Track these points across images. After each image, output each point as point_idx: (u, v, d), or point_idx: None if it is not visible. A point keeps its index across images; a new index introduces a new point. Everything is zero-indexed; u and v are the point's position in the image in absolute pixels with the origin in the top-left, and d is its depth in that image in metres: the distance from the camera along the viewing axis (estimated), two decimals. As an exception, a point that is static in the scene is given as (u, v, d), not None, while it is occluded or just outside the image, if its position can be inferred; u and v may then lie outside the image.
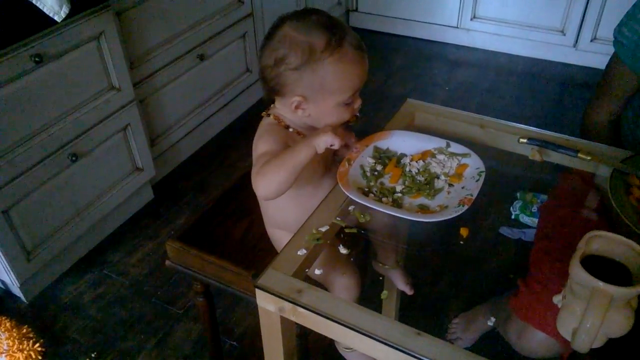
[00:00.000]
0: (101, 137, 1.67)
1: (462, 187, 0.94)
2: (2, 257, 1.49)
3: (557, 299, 0.77)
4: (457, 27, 2.99)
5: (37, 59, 1.40)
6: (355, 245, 1.02)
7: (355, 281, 1.07)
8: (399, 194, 0.94)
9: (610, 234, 0.72)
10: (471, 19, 2.92)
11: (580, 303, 0.69)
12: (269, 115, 1.03)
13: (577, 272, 0.68)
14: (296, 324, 0.82)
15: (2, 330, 1.48)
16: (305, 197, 1.04)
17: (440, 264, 1.68)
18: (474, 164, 0.98)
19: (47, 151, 1.51)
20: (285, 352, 0.88)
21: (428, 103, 1.20)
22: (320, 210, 0.92)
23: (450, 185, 0.95)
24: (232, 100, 2.34)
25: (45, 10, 1.34)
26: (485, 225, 1.19)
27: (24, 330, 1.50)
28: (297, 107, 0.96)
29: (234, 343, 1.53)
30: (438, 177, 0.97)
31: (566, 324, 0.72)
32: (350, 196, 0.90)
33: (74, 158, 1.59)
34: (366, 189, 0.94)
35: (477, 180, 0.93)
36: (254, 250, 1.20)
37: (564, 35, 2.75)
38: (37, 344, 1.47)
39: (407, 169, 0.98)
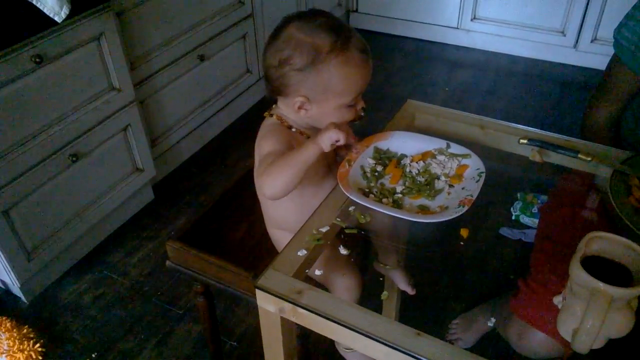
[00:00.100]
0: (101, 138, 1.68)
1: (463, 188, 0.94)
2: (3, 257, 1.49)
3: (557, 300, 0.77)
4: (457, 28, 2.99)
5: (37, 60, 1.40)
6: (356, 246, 1.02)
7: (356, 282, 1.07)
8: (399, 195, 0.94)
9: (610, 235, 0.72)
10: (471, 20, 2.92)
11: (580, 304, 0.69)
12: (271, 115, 1.03)
13: (578, 273, 0.68)
14: (296, 324, 0.82)
15: (3, 330, 1.48)
16: (307, 198, 1.04)
17: (441, 264, 1.67)
18: (474, 165, 0.98)
19: (48, 152, 1.51)
20: (286, 352, 0.88)
21: (428, 104, 1.20)
22: (320, 211, 0.92)
23: (451, 186, 0.95)
24: (232, 101, 2.34)
25: (45, 10, 1.34)
26: (486, 226, 1.19)
27: (25, 331, 1.50)
28: (300, 108, 0.96)
29: (234, 343, 1.53)
30: (438, 178, 0.97)
31: (566, 325, 0.72)
32: (351, 197, 0.90)
33: (74, 159, 1.59)
34: (366, 190, 0.94)
35: (477, 181, 0.93)
36: (254, 251, 1.20)
37: (564, 36, 2.75)
38: (38, 344, 1.48)
39: (408, 170, 0.98)
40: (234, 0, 2.17)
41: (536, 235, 1.20)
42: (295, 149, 0.92)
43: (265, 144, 0.97)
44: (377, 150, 1.02)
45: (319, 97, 0.95)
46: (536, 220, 1.50)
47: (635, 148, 1.17)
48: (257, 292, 0.79)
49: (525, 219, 1.55)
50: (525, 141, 1.04)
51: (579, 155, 1.00)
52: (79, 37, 1.50)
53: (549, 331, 1.01)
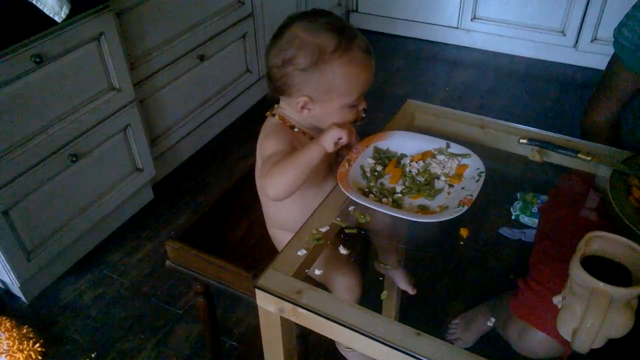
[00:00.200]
0: (101, 138, 1.68)
1: (462, 188, 0.94)
2: (2, 257, 1.49)
3: (557, 300, 0.77)
4: (457, 28, 2.99)
5: (37, 60, 1.40)
6: (356, 246, 1.02)
7: (356, 281, 1.07)
8: (399, 195, 0.94)
9: (610, 235, 0.72)
10: (471, 20, 2.92)
11: (580, 303, 0.69)
12: (273, 115, 1.03)
13: (577, 273, 0.68)
14: (296, 324, 0.82)
15: (2, 330, 1.48)
16: (308, 198, 1.04)
17: (440, 264, 1.68)
18: (474, 165, 0.98)
19: (47, 151, 1.51)
20: (285, 352, 0.88)
21: (428, 104, 1.20)
22: (320, 211, 0.92)
23: (451, 185, 0.95)
24: (232, 101, 2.34)
25: (45, 10, 1.34)
26: (486, 226, 1.19)
27: (24, 331, 1.50)
28: (303, 107, 0.96)
29: (234, 343, 1.53)
30: (438, 178, 0.97)
31: (566, 325, 0.72)
32: (351, 197, 0.90)
33: (74, 158, 1.59)
34: (366, 190, 0.94)
35: (477, 181, 0.93)
36: (254, 251, 1.20)
37: (564, 35, 2.75)
38: (37, 344, 1.48)
39: (407, 170, 0.98)
40: (234, 0, 2.17)
41: (536, 235, 1.20)
42: (298, 151, 0.92)
43: (268, 145, 0.97)
44: (377, 150, 1.02)
45: (322, 97, 0.95)
46: (536, 220, 1.50)
47: (635, 148, 1.17)
48: (257, 292, 0.79)
49: (525, 219, 1.55)
50: (525, 141, 1.04)
51: (579, 155, 1.00)
52: (79, 37, 1.50)
53: (549, 331, 1.01)
